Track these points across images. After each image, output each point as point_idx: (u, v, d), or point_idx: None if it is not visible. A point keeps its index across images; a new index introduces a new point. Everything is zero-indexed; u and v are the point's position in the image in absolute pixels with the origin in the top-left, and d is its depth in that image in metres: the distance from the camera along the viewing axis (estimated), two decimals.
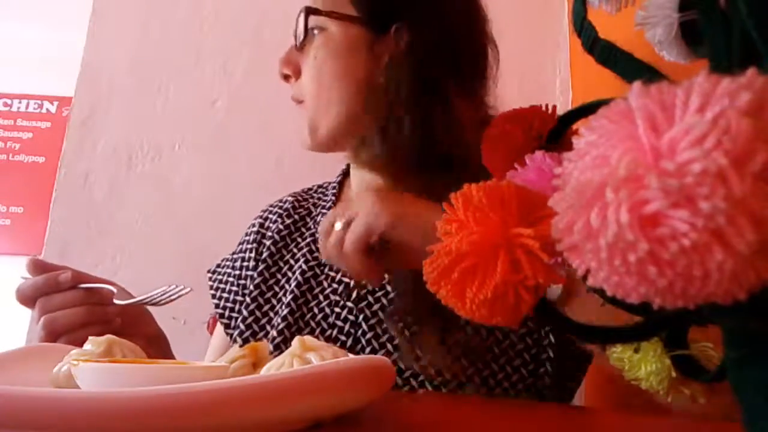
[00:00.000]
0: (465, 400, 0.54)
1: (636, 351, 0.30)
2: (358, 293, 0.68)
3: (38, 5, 2.49)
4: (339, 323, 0.67)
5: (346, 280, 0.70)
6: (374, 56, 0.67)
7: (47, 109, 2.95)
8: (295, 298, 0.71)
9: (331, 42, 0.67)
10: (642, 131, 0.15)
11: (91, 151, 1.21)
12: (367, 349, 0.65)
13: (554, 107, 0.32)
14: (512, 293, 0.20)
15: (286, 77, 0.71)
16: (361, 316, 0.67)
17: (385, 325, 0.65)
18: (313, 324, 0.69)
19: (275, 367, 0.36)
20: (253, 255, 0.80)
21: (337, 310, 0.69)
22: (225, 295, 0.79)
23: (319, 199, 0.84)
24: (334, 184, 0.84)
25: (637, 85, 0.16)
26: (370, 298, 0.68)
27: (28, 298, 0.62)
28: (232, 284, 0.80)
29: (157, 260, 1.14)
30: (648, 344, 0.29)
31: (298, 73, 0.70)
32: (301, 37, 0.68)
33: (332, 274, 0.71)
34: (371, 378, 0.34)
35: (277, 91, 1.22)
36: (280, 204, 0.85)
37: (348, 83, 0.68)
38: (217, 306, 0.79)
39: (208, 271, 0.85)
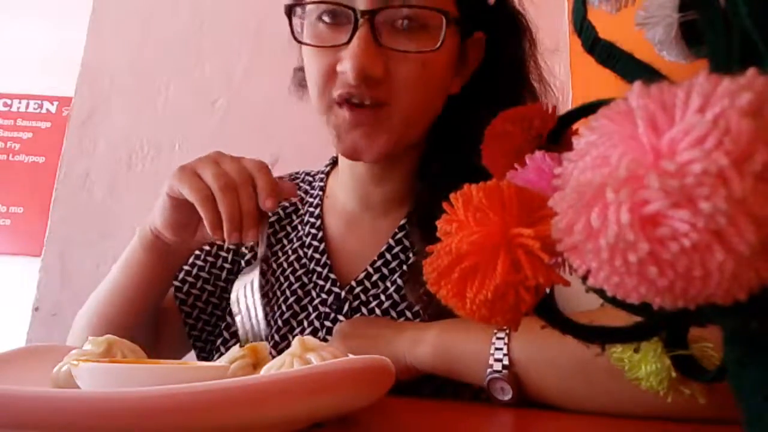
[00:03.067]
0: (465, 403, 0.54)
1: (636, 351, 0.30)
2: (350, 305, 0.64)
3: (38, 5, 2.49)
4: (329, 337, 0.62)
5: (336, 290, 0.65)
6: (456, 60, 0.62)
7: (47, 109, 2.95)
8: (282, 314, 0.66)
9: (445, 49, 0.57)
10: (642, 131, 0.15)
11: (91, 151, 1.21)
12: None
13: (554, 107, 0.32)
14: (512, 293, 0.20)
15: (368, 78, 0.56)
16: None
17: None
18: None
19: (275, 367, 0.36)
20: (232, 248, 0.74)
21: (327, 323, 0.64)
22: (192, 279, 0.73)
23: (305, 192, 0.76)
24: (321, 176, 0.77)
25: (637, 85, 0.16)
26: (364, 310, 0.63)
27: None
28: (203, 270, 0.74)
29: None
30: (648, 344, 0.29)
31: (385, 75, 0.57)
32: (405, 31, 0.56)
33: (321, 283, 0.67)
34: (371, 378, 0.34)
35: (277, 91, 1.22)
36: None
37: (441, 96, 0.62)
38: (182, 303, 0.73)
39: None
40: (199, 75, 1.23)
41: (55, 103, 2.94)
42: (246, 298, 0.57)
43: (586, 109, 0.28)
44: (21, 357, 0.46)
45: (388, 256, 0.66)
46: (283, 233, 0.74)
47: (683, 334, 0.27)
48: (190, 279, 0.74)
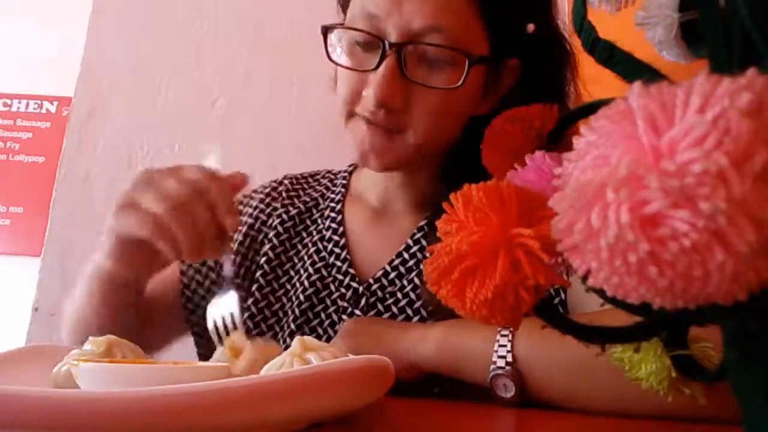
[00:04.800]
0: (465, 403, 0.54)
1: (636, 351, 0.30)
2: (366, 301, 0.65)
3: (38, 5, 2.49)
4: None
5: (354, 285, 0.66)
6: (484, 89, 0.64)
7: (47, 109, 2.95)
8: (300, 304, 0.67)
9: (470, 83, 0.59)
10: (642, 131, 0.15)
11: (91, 151, 1.21)
12: None
13: (554, 107, 0.32)
14: (512, 293, 0.20)
15: (387, 107, 0.58)
16: None
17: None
18: (320, 330, 0.66)
19: (275, 367, 0.36)
20: (249, 247, 0.74)
21: (344, 317, 0.65)
22: (198, 278, 0.74)
23: (327, 188, 0.77)
24: (344, 174, 0.78)
25: (637, 85, 0.16)
26: (380, 306, 0.64)
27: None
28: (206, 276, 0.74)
29: None
30: (648, 344, 0.29)
31: (405, 104, 0.60)
32: (430, 68, 0.59)
33: (340, 277, 0.68)
34: (371, 378, 0.34)
35: (277, 91, 1.22)
36: (275, 187, 0.78)
37: (463, 121, 0.64)
38: (188, 300, 0.73)
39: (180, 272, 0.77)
40: (199, 75, 1.23)
41: (55, 103, 2.94)
42: (227, 329, 0.53)
43: (586, 109, 0.28)
44: (21, 357, 0.46)
45: (406, 256, 0.67)
46: (302, 226, 0.74)
47: (683, 334, 0.27)
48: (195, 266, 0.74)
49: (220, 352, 0.48)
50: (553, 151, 0.26)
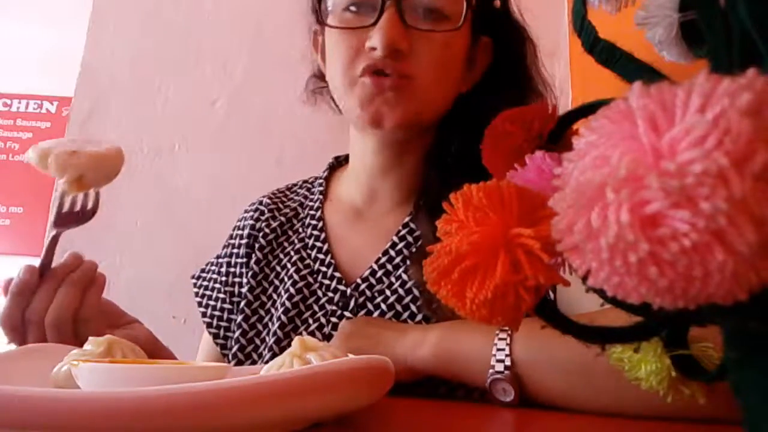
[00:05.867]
0: (465, 403, 0.54)
1: (636, 351, 0.30)
2: (356, 302, 0.66)
3: (38, 5, 2.49)
4: (335, 333, 0.62)
5: (341, 288, 0.67)
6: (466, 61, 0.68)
7: (47, 109, 2.95)
8: (286, 311, 0.68)
9: (461, 36, 0.65)
10: (642, 131, 0.15)
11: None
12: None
13: (554, 107, 0.32)
14: (512, 293, 0.20)
15: (395, 52, 0.61)
16: None
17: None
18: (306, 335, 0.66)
19: (275, 367, 0.36)
20: (242, 260, 0.76)
21: (333, 320, 0.66)
22: (212, 302, 0.77)
23: (304, 197, 0.79)
24: (321, 180, 0.80)
25: (637, 85, 0.16)
26: (370, 305, 0.65)
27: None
28: (219, 291, 0.77)
29: (157, 260, 1.14)
30: (648, 344, 0.29)
31: (410, 52, 0.63)
32: (430, 11, 0.62)
33: (326, 282, 0.68)
34: (371, 378, 0.34)
35: (277, 91, 1.22)
36: (260, 207, 0.80)
37: (455, 87, 0.67)
38: (204, 315, 0.77)
39: (192, 277, 0.81)
40: (199, 75, 1.23)
41: (55, 103, 2.95)
42: None
43: (586, 109, 0.28)
44: (21, 357, 0.46)
45: (392, 253, 0.67)
46: (283, 237, 0.76)
47: (683, 334, 0.27)
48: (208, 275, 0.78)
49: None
50: (553, 151, 0.26)
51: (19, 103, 2.96)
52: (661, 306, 0.16)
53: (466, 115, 0.66)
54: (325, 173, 0.81)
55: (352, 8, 0.63)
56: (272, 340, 0.67)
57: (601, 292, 0.18)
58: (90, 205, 0.61)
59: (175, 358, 0.68)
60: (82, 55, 1.25)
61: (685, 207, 0.14)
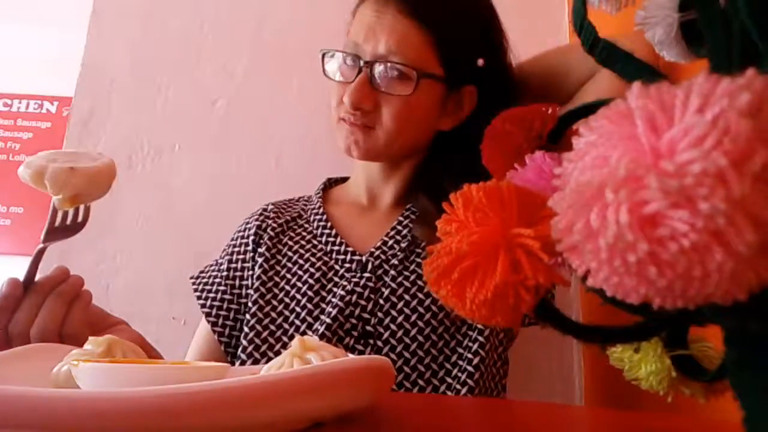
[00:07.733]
0: (466, 402, 0.54)
1: (636, 351, 0.30)
2: (372, 264, 0.76)
3: (38, 5, 2.49)
4: (358, 290, 0.73)
5: (357, 257, 0.76)
6: (443, 106, 0.80)
7: (47, 109, 2.95)
8: (310, 287, 0.75)
9: (422, 94, 0.76)
10: (642, 131, 0.15)
11: (92, 151, 1.21)
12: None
13: (554, 107, 0.32)
14: (512, 293, 0.20)
15: (359, 109, 0.76)
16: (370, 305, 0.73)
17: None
18: (332, 300, 0.74)
19: (275, 367, 0.36)
20: (248, 255, 0.83)
21: (355, 280, 0.74)
22: (212, 294, 0.82)
23: (304, 206, 0.89)
24: (319, 194, 0.89)
25: (636, 85, 0.16)
26: (385, 266, 0.75)
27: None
28: (220, 284, 0.82)
29: (157, 260, 1.14)
30: (648, 344, 0.29)
31: (375, 107, 0.77)
32: (390, 79, 0.75)
33: (341, 257, 0.77)
34: (371, 378, 0.34)
35: (277, 91, 1.22)
36: (264, 212, 0.88)
37: (425, 128, 0.80)
38: (203, 306, 0.81)
39: (191, 277, 0.86)
40: (199, 75, 1.23)
41: (55, 103, 2.95)
42: None
43: (586, 109, 0.28)
44: (21, 357, 0.46)
45: (399, 229, 0.79)
46: (290, 230, 0.84)
47: (683, 334, 0.27)
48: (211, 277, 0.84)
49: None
50: (553, 151, 0.27)
51: (20, 103, 2.96)
52: (661, 306, 0.16)
53: (453, 144, 0.79)
54: (320, 193, 0.90)
55: (348, 62, 0.78)
56: (303, 299, 0.74)
57: (600, 292, 0.18)
58: (80, 218, 0.61)
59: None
60: (82, 55, 1.25)
61: (684, 207, 0.14)
